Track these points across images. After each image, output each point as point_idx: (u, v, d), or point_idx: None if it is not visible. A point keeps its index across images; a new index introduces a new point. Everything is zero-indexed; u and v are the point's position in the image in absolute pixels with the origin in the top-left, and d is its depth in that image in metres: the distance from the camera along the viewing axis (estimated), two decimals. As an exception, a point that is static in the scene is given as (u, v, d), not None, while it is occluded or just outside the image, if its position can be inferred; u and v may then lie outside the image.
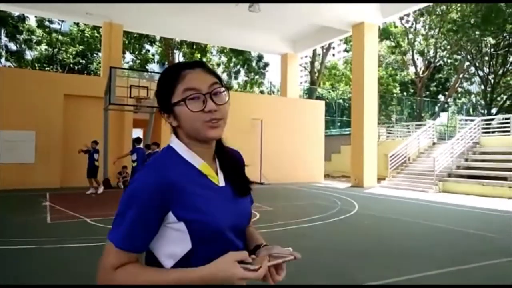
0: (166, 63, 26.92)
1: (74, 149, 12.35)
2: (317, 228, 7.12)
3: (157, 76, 15.73)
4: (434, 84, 37.65)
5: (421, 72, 32.68)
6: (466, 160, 15.64)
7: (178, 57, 27.09)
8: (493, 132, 17.84)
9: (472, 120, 17.40)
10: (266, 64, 28.54)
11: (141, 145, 11.31)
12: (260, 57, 27.71)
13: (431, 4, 24.11)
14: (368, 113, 15.96)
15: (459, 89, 37.70)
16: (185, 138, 1.06)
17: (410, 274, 4.42)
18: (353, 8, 15.21)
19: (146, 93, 11.96)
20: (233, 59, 26.81)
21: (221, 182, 1.08)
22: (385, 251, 5.58)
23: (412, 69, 34.61)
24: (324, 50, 27.73)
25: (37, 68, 24.52)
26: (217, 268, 0.94)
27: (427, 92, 36.92)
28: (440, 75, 37.25)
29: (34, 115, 13.25)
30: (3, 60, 24.27)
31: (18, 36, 23.87)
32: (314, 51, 27.63)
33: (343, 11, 15.38)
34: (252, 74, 28.11)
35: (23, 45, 24.80)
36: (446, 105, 35.74)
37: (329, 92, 34.15)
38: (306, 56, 33.95)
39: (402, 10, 15.94)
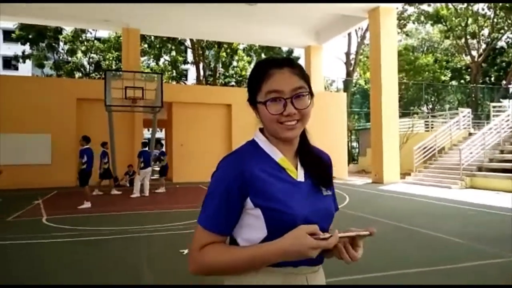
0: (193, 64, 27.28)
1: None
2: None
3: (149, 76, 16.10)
4: (495, 69, 34.11)
5: (477, 57, 29.75)
6: (502, 152, 13.89)
7: (209, 57, 27.35)
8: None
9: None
10: (297, 59, 27.75)
11: (147, 149, 11.68)
12: (290, 52, 27.01)
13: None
14: (386, 103, 14.80)
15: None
16: (267, 134, 1.12)
17: None
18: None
19: (142, 94, 12.15)
20: (263, 56, 26.42)
21: (300, 177, 1.11)
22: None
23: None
24: (359, 40, 26.35)
25: (75, 75, 26.14)
26: (289, 240, 0.97)
27: (486, 78, 33.59)
28: (503, 59, 33.62)
29: (50, 119, 14.14)
30: (46, 69, 26.24)
31: (56, 46, 25.64)
32: (349, 41, 26.38)
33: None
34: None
35: (65, 55, 26.60)
36: (507, 92, 32.22)
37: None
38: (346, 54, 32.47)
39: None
